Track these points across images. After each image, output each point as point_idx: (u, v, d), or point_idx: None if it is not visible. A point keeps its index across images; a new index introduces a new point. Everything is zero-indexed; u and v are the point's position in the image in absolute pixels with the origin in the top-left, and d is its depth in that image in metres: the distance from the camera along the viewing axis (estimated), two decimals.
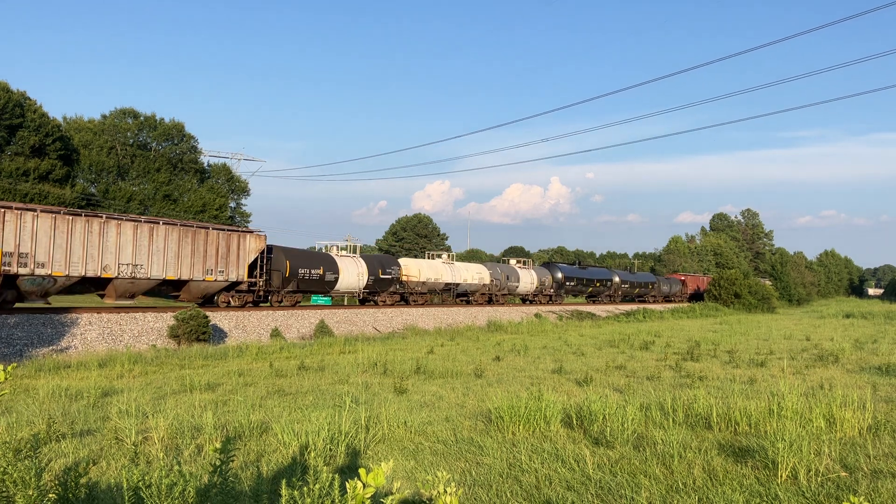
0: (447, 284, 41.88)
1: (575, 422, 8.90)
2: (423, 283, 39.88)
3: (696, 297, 76.46)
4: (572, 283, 54.66)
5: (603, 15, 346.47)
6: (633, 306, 57.21)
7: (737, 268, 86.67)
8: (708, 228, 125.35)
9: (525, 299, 50.93)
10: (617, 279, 61.17)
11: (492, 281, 45.67)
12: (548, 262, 58.02)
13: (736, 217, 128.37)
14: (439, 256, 45.28)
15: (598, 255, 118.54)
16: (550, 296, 52.46)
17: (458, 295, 44.71)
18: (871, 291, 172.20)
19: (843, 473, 6.65)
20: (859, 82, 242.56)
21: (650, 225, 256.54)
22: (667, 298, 70.77)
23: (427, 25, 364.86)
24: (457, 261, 48.86)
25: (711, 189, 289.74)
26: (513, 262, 51.47)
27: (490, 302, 46.03)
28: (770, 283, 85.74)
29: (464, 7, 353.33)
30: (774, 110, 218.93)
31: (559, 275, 53.13)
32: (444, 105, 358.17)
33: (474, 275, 44.18)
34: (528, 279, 49.30)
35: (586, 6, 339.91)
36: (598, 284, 58.18)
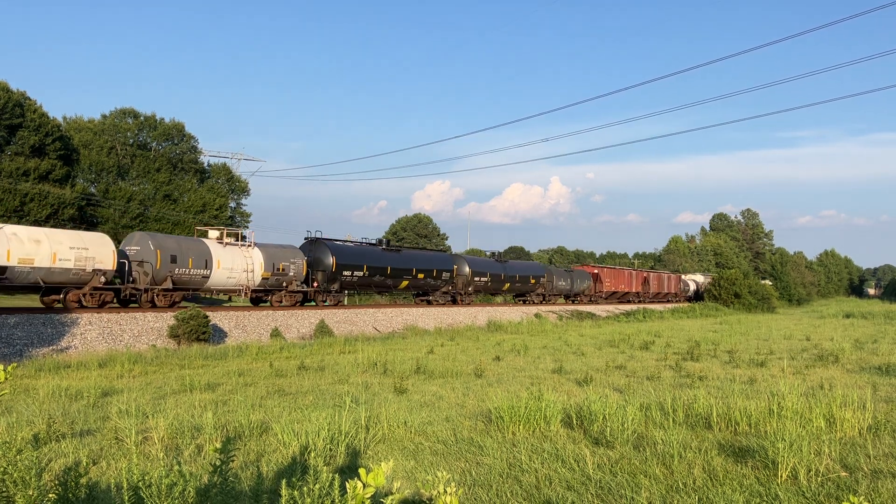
0: None
1: (575, 422, 8.90)
2: None
3: (620, 298, 61.50)
4: (360, 275, 33.86)
5: (603, 15, 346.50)
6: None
7: (737, 268, 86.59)
8: (708, 228, 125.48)
9: (256, 299, 30.71)
10: (467, 270, 42.44)
11: (127, 264, 25.15)
12: (313, 238, 33.54)
13: (736, 217, 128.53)
14: None
15: (598, 255, 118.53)
16: (305, 293, 31.56)
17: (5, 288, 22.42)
18: (869, 291, 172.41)
19: (843, 473, 6.65)
20: (859, 82, 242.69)
21: (650, 225, 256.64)
22: (570, 298, 55.02)
23: (427, 25, 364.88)
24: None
25: (711, 189, 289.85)
26: (213, 234, 29.28)
27: (119, 302, 24.98)
28: (770, 282, 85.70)
29: (464, 7, 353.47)
30: (774, 110, 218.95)
31: (329, 260, 32.14)
32: (444, 105, 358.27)
33: (67, 250, 22.59)
34: (237, 264, 28.13)
35: (586, 6, 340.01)
36: (421, 277, 38.57)
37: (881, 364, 16.84)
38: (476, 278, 43.54)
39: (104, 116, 54.53)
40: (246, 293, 29.55)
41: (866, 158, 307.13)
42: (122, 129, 53.68)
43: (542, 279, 50.38)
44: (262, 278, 29.59)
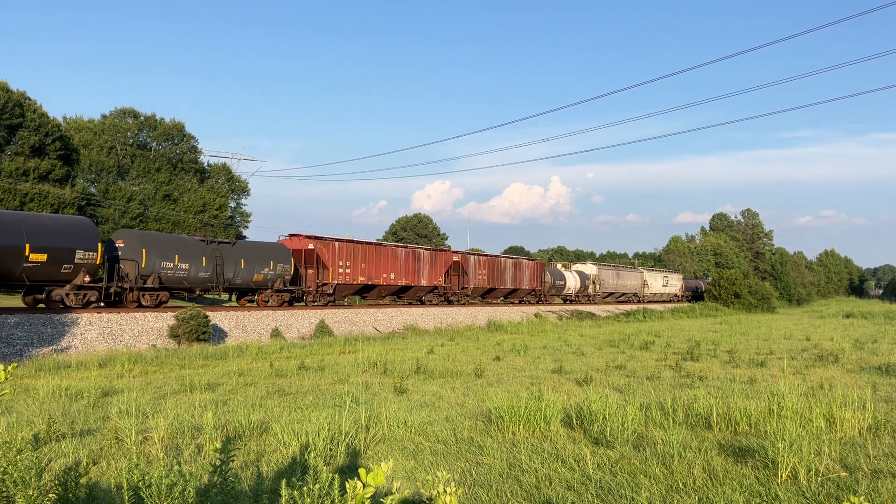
0: None
1: (575, 422, 8.89)
2: None
3: (398, 293, 38.24)
4: None
5: (603, 15, 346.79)
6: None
7: (737, 268, 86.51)
8: (708, 228, 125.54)
9: None
10: None
11: None
12: None
13: (736, 217, 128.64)
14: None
15: (597, 255, 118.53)
16: None
17: None
18: (869, 291, 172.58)
19: (843, 473, 6.64)
20: (859, 82, 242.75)
21: (650, 225, 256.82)
22: (282, 294, 29.98)
23: (427, 25, 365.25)
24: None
25: (711, 189, 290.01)
26: None
27: None
28: (769, 283, 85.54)
29: (464, 6, 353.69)
30: (773, 110, 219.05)
31: None
32: (443, 105, 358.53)
33: None
34: None
35: (586, 6, 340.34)
36: None
37: (881, 364, 16.84)
38: None
39: (104, 116, 54.52)
40: None
41: (866, 158, 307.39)
42: (122, 129, 53.66)
43: (84, 254, 22.61)
44: None
